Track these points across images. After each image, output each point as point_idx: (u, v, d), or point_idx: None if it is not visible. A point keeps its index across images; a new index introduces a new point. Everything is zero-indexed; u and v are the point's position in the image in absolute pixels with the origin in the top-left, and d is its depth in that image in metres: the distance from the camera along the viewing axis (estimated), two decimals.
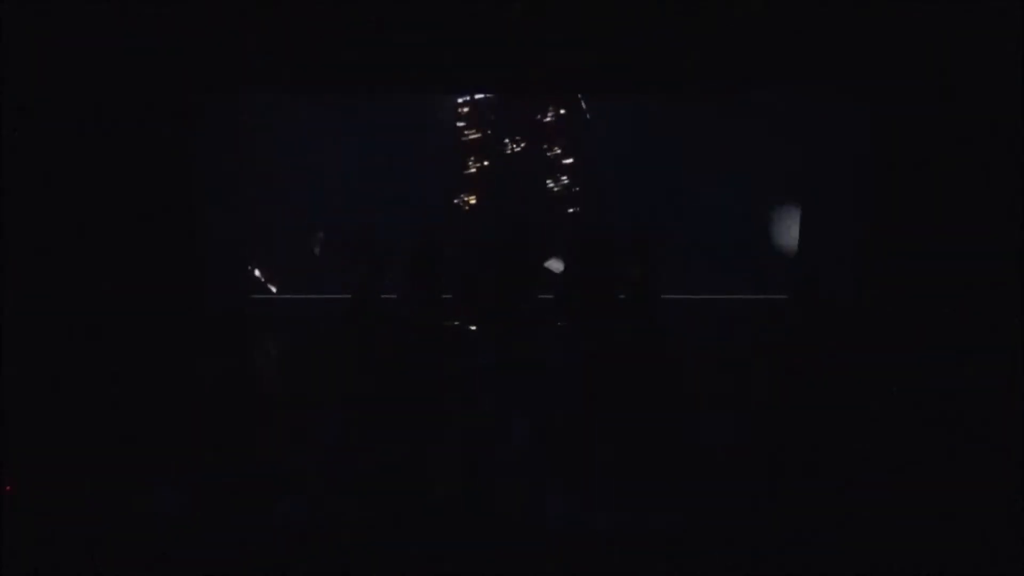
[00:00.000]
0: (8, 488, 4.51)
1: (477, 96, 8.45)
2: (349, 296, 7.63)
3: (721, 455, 5.44)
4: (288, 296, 8.46)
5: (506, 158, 8.62)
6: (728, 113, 8.41)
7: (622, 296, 7.52)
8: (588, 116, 8.49)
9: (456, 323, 6.43)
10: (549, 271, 7.66)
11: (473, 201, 8.57)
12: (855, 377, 6.64)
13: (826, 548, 3.92)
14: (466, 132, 8.53)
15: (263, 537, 4.16)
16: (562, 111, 8.50)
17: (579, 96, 8.44)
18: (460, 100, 8.49)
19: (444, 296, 7.41)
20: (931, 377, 6.35)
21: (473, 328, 6.17)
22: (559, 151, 8.59)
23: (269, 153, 8.43)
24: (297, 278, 8.46)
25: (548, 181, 8.61)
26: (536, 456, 5.72)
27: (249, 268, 8.46)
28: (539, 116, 8.53)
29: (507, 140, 8.56)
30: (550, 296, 7.57)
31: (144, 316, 7.11)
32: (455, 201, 8.56)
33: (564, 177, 8.59)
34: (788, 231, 8.35)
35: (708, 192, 8.55)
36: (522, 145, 8.58)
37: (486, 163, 8.57)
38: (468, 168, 8.57)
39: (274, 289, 8.50)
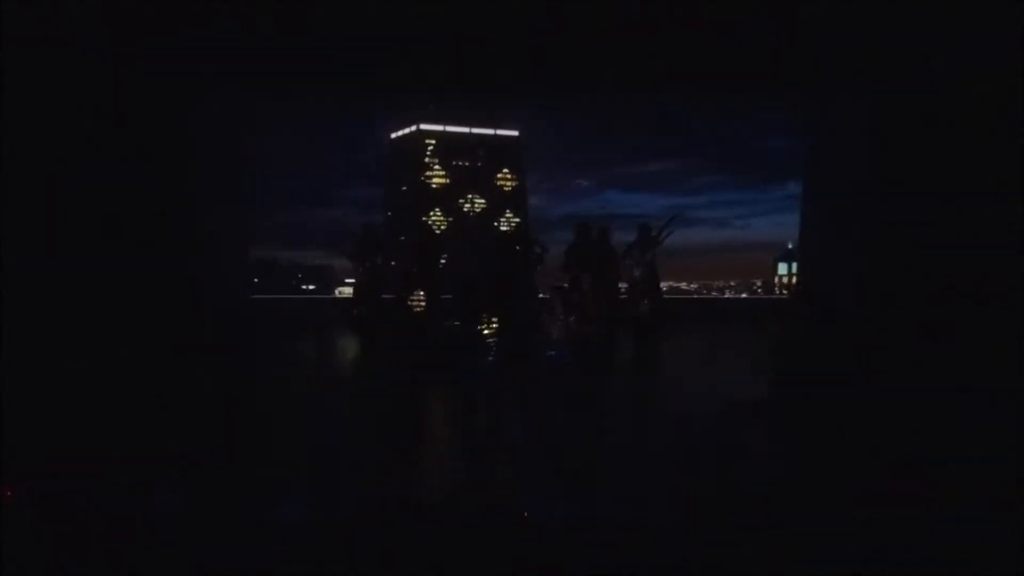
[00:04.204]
0: (8, 493, 4.50)
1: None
2: (352, 295, 7.64)
3: (720, 454, 5.45)
4: (288, 296, 8.47)
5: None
6: (731, 113, 8.43)
7: (624, 297, 7.55)
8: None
9: (456, 323, 6.47)
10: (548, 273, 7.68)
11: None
12: (855, 376, 6.64)
13: (826, 547, 3.93)
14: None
15: (263, 537, 4.16)
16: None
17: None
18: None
19: (444, 296, 7.42)
20: (930, 376, 6.36)
21: (473, 328, 6.21)
22: None
23: (270, 153, 8.44)
24: (296, 278, 8.45)
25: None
26: (535, 455, 5.72)
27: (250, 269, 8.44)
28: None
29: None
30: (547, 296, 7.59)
31: (144, 316, 7.11)
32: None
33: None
34: (788, 232, 8.36)
35: (708, 192, 8.56)
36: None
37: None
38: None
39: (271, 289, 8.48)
